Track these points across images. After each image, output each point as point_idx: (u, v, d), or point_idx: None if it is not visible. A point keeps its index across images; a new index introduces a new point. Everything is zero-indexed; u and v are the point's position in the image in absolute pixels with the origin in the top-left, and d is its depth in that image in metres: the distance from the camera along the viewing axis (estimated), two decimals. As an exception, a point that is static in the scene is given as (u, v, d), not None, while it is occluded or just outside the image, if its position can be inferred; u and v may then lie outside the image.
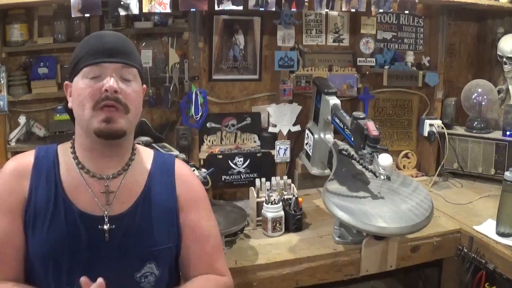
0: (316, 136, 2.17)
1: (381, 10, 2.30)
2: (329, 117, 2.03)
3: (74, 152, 1.14)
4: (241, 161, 2.30)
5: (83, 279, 0.97)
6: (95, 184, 1.12)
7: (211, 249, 1.21)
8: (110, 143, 1.11)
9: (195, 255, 1.19)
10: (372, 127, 1.68)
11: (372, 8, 2.21)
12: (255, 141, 2.39)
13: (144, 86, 1.18)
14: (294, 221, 1.89)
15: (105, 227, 1.08)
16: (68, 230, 1.07)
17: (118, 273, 1.08)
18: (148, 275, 1.12)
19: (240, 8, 1.97)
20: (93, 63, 1.06)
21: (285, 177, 2.04)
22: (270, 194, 1.90)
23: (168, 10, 1.88)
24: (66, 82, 1.14)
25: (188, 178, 1.24)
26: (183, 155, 1.90)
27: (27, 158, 1.14)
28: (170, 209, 1.18)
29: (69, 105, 1.13)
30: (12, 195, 1.09)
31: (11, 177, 1.10)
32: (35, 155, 1.14)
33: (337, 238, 1.79)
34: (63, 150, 1.16)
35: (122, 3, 1.84)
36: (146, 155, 1.24)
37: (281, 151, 2.36)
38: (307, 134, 2.26)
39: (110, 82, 1.05)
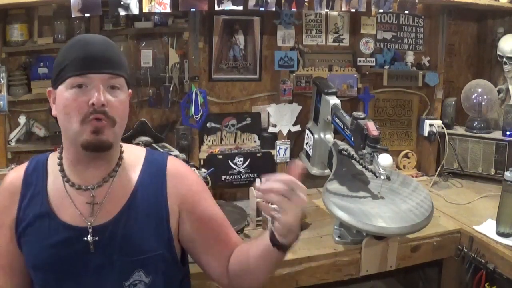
0: (316, 136, 2.17)
1: (381, 10, 2.29)
2: (329, 117, 2.03)
3: (61, 164, 1.13)
4: (241, 161, 2.30)
5: None
6: (80, 196, 1.10)
7: (229, 227, 1.25)
8: (96, 155, 1.09)
9: (223, 238, 1.22)
10: (372, 127, 1.68)
11: (372, 8, 2.21)
12: (255, 141, 2.39)
13: (130, 91, 1.14)
14: (294, 221, 1.88)
15: (89, 238, 1.07)
16: (53, 243, 1.07)
17: (106, 283, 1.09)
18: (137, 283, 1.11)
19: (240, 8, 1.97)
20: (78, 74, 1.03)
21: (285, 177, 2.03)
22: (270, 194, 1.89)
23: (168, 10, 1.88)
24: (49, 88, 1.11)
25: (182, 174, 1.21)
26: (183, 155, 1.90)
27: (19, 172, 1.16)
28: (159, 214, 1.15)
29: (53, 112, 1.11)
30: (5, 212, 1.12)
31: (4, 194, 1.14)
32: (25, 169, 1.16)
33: (337, 238, 1.79)
34: (53, 161, 1.16)
35: (122, 3, 1.84)
36: (136, 158, 1.20)
37: (281, 151, 2.36)
38: (307, 134, 2.26)
39: (97, 96, 1.02)
